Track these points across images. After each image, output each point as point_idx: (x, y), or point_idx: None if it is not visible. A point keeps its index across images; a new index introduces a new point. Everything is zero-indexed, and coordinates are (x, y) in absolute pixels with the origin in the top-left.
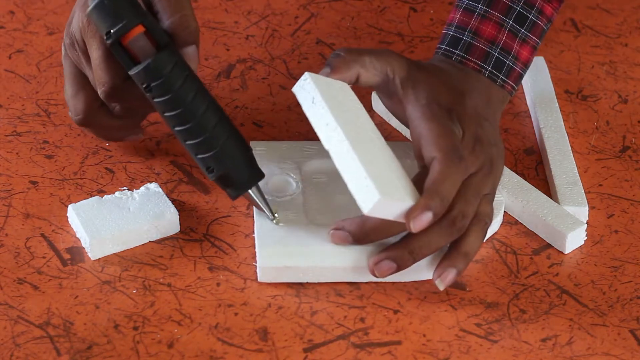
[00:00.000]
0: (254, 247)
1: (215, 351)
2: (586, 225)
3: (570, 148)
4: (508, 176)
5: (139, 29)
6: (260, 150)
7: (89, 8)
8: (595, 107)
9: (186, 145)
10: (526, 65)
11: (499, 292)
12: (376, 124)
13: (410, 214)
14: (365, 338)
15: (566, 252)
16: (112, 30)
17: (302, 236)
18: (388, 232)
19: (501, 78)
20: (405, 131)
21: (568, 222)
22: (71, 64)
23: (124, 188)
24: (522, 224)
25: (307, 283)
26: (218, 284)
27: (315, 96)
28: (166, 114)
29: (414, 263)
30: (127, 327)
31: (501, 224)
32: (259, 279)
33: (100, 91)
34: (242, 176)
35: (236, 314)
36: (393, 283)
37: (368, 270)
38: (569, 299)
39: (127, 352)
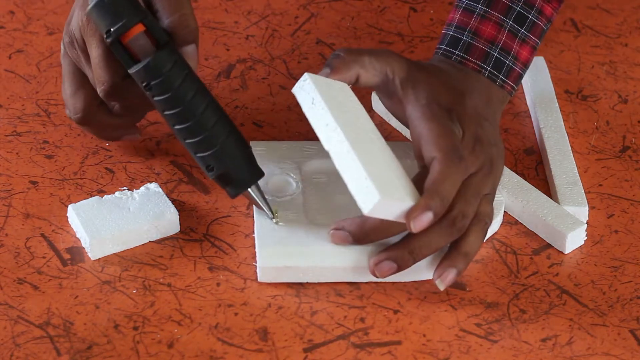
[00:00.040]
0: (254, 247)
1: (215, 351)
2: (586, 225)
3: (570, 148)
4: (508, 176)
5: (139, 28)
6: (260, 150)
7: (89, 6)
8: (595, 107)
9: (186, 144)
10: (526, 65)
11: (499, 292)
12: (376, 124)
13: (410, 214)
14: (365, 338)
15: (566, 252)
16: (111, 29)
17: (302, 236)
18: (388, 232)
19: (501, 78)
20: (405, 131)
21: (568, 222)
22: (70, 63)
23: (124, 188)
24: (522, 224)
25: (307, 283)
26: (218, 284)
27: (315, 97)
28: (166, 113)
29: (414, 263)
30: (127, 327)
31: (501, 224)
32: (259, 279)
33: (99, 90)
34: (241, 175)
35: (236, 314)
36: (393, 283)
37: (368, 271)
38: (569, 299)
39: (127, 352)
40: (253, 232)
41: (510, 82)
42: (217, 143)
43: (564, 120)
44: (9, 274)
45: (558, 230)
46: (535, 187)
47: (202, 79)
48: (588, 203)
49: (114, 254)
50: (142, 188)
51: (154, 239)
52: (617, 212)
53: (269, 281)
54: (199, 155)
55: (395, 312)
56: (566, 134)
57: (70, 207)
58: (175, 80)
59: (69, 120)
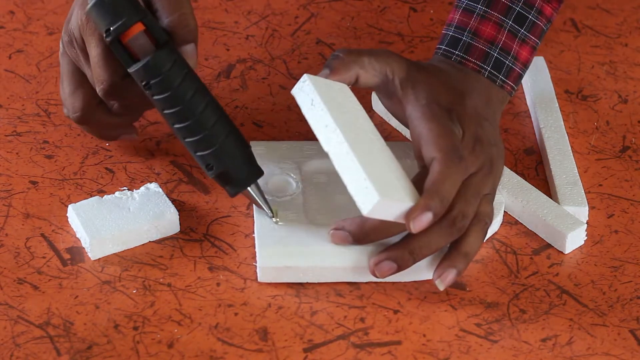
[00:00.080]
0: (254, 247)
1: (215, 351)
2: (586, 225)
3: (570, 148)
4: (508, 176)
5: (139, 27)
6: (260, 150)
7: (89, 5)
8: (595, 107)
9: (185, 142)
10: (526, 65)
11: (499, 292)
12: (376, 124)
13: (410, 214)
14: (365, 338)
15: (566, 252)
16: (111, 28)
17: (302, 236)
18: (388, 232)
19: (500, 78)
20: (405, 131)
21: (568, 222)
22: (69, 62)
23: (124, 188)
24: (522, 224)
25: (307, 283)
26: (218, 284)
27: (314, 98)
28: (165, 112)
29: (414, 263)
30: (127, 327)
31: (501, 224)
32: (259, 279)
33: (98, 89)
34: (241, 174)
35: (236, 314)
36: (393, 283)
37: (368, 271)
38: (569, 299)
39: (127, 352)
40: (253, 232)
41: (510, 82)
42: (216, 142)
43: (564, 120)
44: (9, 274)
45: (558, 230)
46: (535, 187)
47: (202, 79)
48: (588, 203)
49: (114, 254)
50: (142, 188)
51: (154, 239)
52: (617, 212)
53: (269, 281)
54: (198, 154)
55: (395, 312)
56: (566, 134)
57: (70, 207)
58: (175, 79)
59: (69, 120)
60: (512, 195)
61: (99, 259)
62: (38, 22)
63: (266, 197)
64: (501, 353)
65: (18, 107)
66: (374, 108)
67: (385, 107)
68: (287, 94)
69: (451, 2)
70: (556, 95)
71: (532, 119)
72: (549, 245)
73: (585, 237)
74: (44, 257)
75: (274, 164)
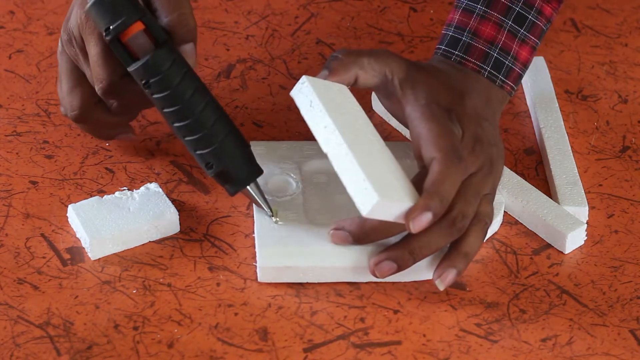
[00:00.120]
0: (254, 247)
1: (215, 351)
2: (586, 225)
3: (570, 148)
4: (508, 176)
5: (138, 26)
6: (260, 150)
7: (88, 4)
8: (595, 107)
9: (185, 141)
10: (525, 65)
11: (499, 292)
12: (376, 124)
13: (409, 214)
14: (365, 338)
15: (566, 252)
16: (111, 27)
17: (302, 236)
18: (388, 232)
19: (500, 78)
20: (405, 131)
21: (568, 222)
22: (68, 60)
23: (124, 188)
24: (522, 224)
25: (307, 283)
26: (218, 284)
27: (313, 99)
28: (165, 110)
29: (414, 263)
30: (127, 327)
31: (501, 224)
32: (259, 279)
33: (97, 87)
34: (241, 172)
35: (236, 314)
36: (393, 283)
37: (368, 271)
38: (569, 299)
39: (127, 352)
40: (253, 232)
41: (509, 82)
42: (216, 141)
43: (564, 120)
44: (9, 274)
45: (558, 230)
46: (535, 187)
47: (201, 79)
48: (588, 203)
49: (114, 254)
50: (142, 188)
51: (154, 239)
52: (617, 212)
53: (269, 281)
54: (198, 152)
55: (395, 312)
56: (566, 134)
57: (70, 207)
58: (175, 78)
59: (69, 120)
60: (512, 195)
61: (99, 259)
62: (38, 22)
63: (266, 196)
64: (501, 353)
65: (18, 107)
66: (373, 108)
67: (385, 108)
68: (287, 94)
69: (451, 2)
70: (556, 95)
71: (532, 119)
72: (549, 245)
73: (585, 237)
74: (44, 257)
75: (274, 164)
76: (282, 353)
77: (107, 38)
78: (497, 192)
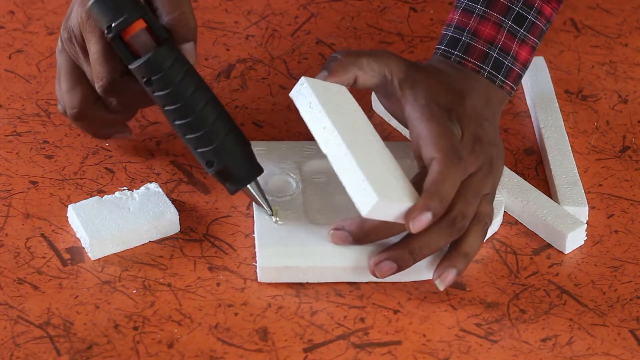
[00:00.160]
0: (254, 247)
1: (215, 351)
2: (586, 225)
3: (570, 148)
4: (508, 176)
5: (140, 24)
6: (260, 150)
7: (90, 2)
8: (595, 107)
9: (186, 139)
10: (525, 65)
11: (499, 292)
12: (376, 124)
13: (409, 214)
14: (365, 338)
15: (566, 252)
16: (113, 24)
17: (302, 236)
18: (388, 232)
19: (500, 78)
20: (405, 131)
21: (568, 222)
22: (68, 59)
23: (124, 188)
24: (522, 224)
25: (307, 283)
26: (218, 284)
27: (312, 100)
28: (166, 108)
29: (414, 263)
30: (127, 327)
31: (501, 224)
32: (259, 279)
33: (97, 86)
34: (241, 171)
35: (236, 314)
36: (393, 283)
37: (368, 271)
38: (569, 299)
39: (127, 352)
40: (253, 232)
41: (509, 83)
42: (217, 139)
43: (564, 120)
44: (9, 274)
45: (558, 230)
46: (535, 187)
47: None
48: (588, 203)
49: (114, 254)
50: (142, 188)
51: (154, 239)
52: (617, 212)
53: (269, 281)
54: (199, 150)
55: (395, 312)
56: (566, 134)
57: (70, 207)
58: (176, 76)
59: (69, 120)
60: (512, 195)
61: (99, 259)
62: (38, 22)
63: (266, 196)
64: (501, 353)
65: (18, 107)
66: (373, 108)
67: (385, 108)
68: (287, 94)
69: (451, 2)
70: (556, 95)
71: (532, 119)
72: (549, 245)
73: (585, 237)
74: (44, 257)
75: (274, 164)
76: (282, 353)
77: (109, 36)
78: (497, 192)
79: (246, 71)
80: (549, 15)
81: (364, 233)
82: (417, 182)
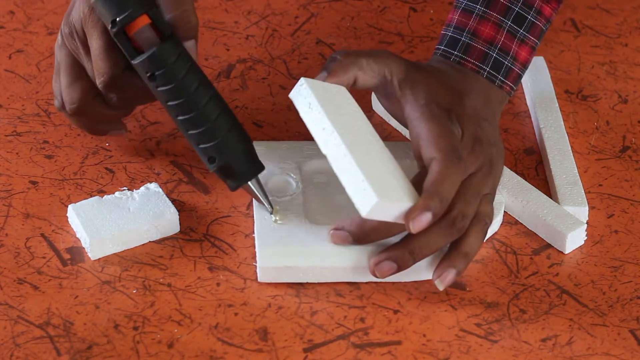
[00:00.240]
0: (254, 247)
1: (215, 351)
2: (586, 225)
3: (570, 148)
4: (508, 176)
5: (144, 19)
6: (260, 150)
7: None
8: (595, 107)
9: (188, 135)
10: (525, 65)
11: (499, 292)
12: (376, 124)
13: (409, 214)
14: (365, 338)
15: (566, 252)
16: (117, 19)
17: (302, 236)
18: (388, 232)
19: (499, 79)
20: (405, 131)
21: (568, 222)
22: (68, 54)
23: (124, 188)
24: (522, 224)
25: (307, 283)
26: (218, 284)
27: (312, 101)
28: (169, 103)
29: (414, 263)
30: (127, 327)
31: (501, 224)
32: (259, 279)
33: (99, 81)
34: (242, 168)
35: (236, 314)
36: (393, 283)
37: (368, 271)
38: (569, 299)
39: (127, 352)
40: (253, 232)
41: (509, 83)
42: (219, 135)
43: (564, 120)
44: (9, 274)
45: (558, 230)
46: (535, 187)
47: None
48: (588, 203)
49: (114, 254)
50: (142, 188)
51: (154, 239)
52: (617, 212)
53: (269, 281)
54: (201, 146)
55: (395, 312)
56: (566, 134)
57: (70, 207)
58: (180, 71)
59: (69, 120)
60: (512, 195)
61: (99, 259)
62: (38, 22)
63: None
64: (501, 353)
65: (18, 107)
66: (373, 108)
67: (384, 108)
68: (287, 94)
69: (451, 2)
70: (556, 95)
71: (532, 119)
72: (549, 245)
73: (585, 237)
74: (44, 257)
75: (274, 164)
76: (282, 353)
77: (113, 30)
78: (497, 192)
79: (246, 71)
80: (548, 15)
81: (364, 233)
82: (417, 182)
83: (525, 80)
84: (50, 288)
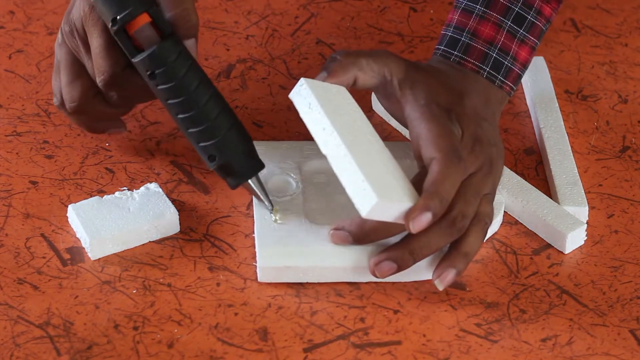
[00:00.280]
0: (254, 247)
1: (215, 351)
2: (586, 225)
3: (570, 148)
4: (508, 176)
5: (145, 17)
6: (260, 150)
7: None
8: (595, 107)
9: (188, 133)
10: (525, 65)
11: (499, 292)
12: (376, 124)
13: (409, 214)
14: (365, 338)
15: (566, 252)
16: (117, 17)
17: (302, 236)
18: (388, 232)
19: (499, 79)
20: (405, 131)
21: (568, 222)
22: (68, 52)
23: (124, 188)
24: (522, 224)
25: (307, 283)
26: (218, 284)
27: (312, 102)
28: (169, 102)
29: (414, 263)
30: (127, 327)
31: (501, 224)
32: (259, 279)
33: (99, 79)
34: (243, 166)
35: (236, 314)
36: (393, 283)
37: (368, 271)
38: (569, 299)
39: (127, 352)
40: (253, 232)
41: (509, 83)
42: (219, 133)
43: (564, 120)
44: (9, 274)
45: (558, 230)
46: (535, 187)
47: None
48: (588, 203)
49: (114, 254)
50: (142, 188)
51: (154, 239)
52: (617, 212)
53: (269, 281)
54: (201, 144)
55: (395, 312)
56: (566, 134)
57: (70, 207)
58: (180, 69)
59: (69, 120)
60: (512, 195)
61: (99, 259)
62: (38, 22)
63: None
64: (501, 353)
65: (18, 107)
66: (373, 108)
67: (384, 108)
68: (287, 94)
69: (451, 2)
70: (556, 95)
71: (532, 119)
72: (549, 245)
73: (585, 237)
74: (44, 257)
75: (274, 164)
76: (282, 353)
77: (114, 28)
78: (497, 192)
79: (246, 71)
80: (548, 15)
81: (364, 233)
82: (417, 182)
83: (525, 80)
84: (50, 288)
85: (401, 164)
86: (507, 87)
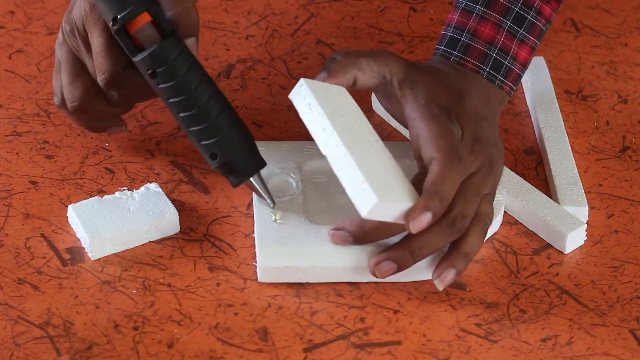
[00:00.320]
0: (254, 247)
1: (215, 351)
2: (586, 225)
3: (570, 148)
4: (508, 176)
5: (145, 16)
6: (260, 150)
7: None
8: (595, 107)
9: (190, 132)
10: (525, 65)
11: (499, 292)
12: (376, 124)
13: (409, 214)
14: (365, 338)
15: (566, 252)
16: (118, 16)
17: (302, 236)
18: (388, 232)
19: (499, 79)
20: (405, 131)
21: (568, 222)
22: (69, 51)
23: (124, 188)
24: (522, 224)
25: (307, 283)
26: (218, 284)
27: (311, 102)
28: (170, 100)
29: (414, 263)
30: (127, 327)
31: (501, 224)
32: (259, 279)
33: (100, 79)
34: (244, 164)
35: (236, 314)
36: (393, 283)
37: (368, 271)
38: (569, 299)
39: (127, 352)
40: (253, 232)
41: (509, 83)
42: (221, 132)
43: (564, 120)
44: (9, 274)
45: (558, 230)
46: (535, 187)
47: None
48: (588, 203)
49: (114, 254)
50: (142, 188)
51: (154, 239)
52: (617, 212)
53: (269, 281)
54: (202, 143)
55: (395, 312)
56: (566, 134)
57: (70, 207)
58: (181, 68)
59: (69, 120)
60: (512, 195)
61: (99, 259)
62: (38, 22)
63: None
64: (501, 353)
65: (18, 107)
66: (373, 108)
67: (384, 108)
68: (287, 94)
69: (451, 2)
70: (556, 95)
71: (532, 119)
72: (549, 245)
73: (585, 237)
74: (44, 257)
75: (274, 164)
76: (282, 353)
77: (114, 28)
78: (497, 192)
79: (246, 71)
80: (548, 15)
81: (364, 233)
82: (417, 182)
83: (525, 80)
84: (50, 288)
85: (401, 164)
86: (507, 87)
